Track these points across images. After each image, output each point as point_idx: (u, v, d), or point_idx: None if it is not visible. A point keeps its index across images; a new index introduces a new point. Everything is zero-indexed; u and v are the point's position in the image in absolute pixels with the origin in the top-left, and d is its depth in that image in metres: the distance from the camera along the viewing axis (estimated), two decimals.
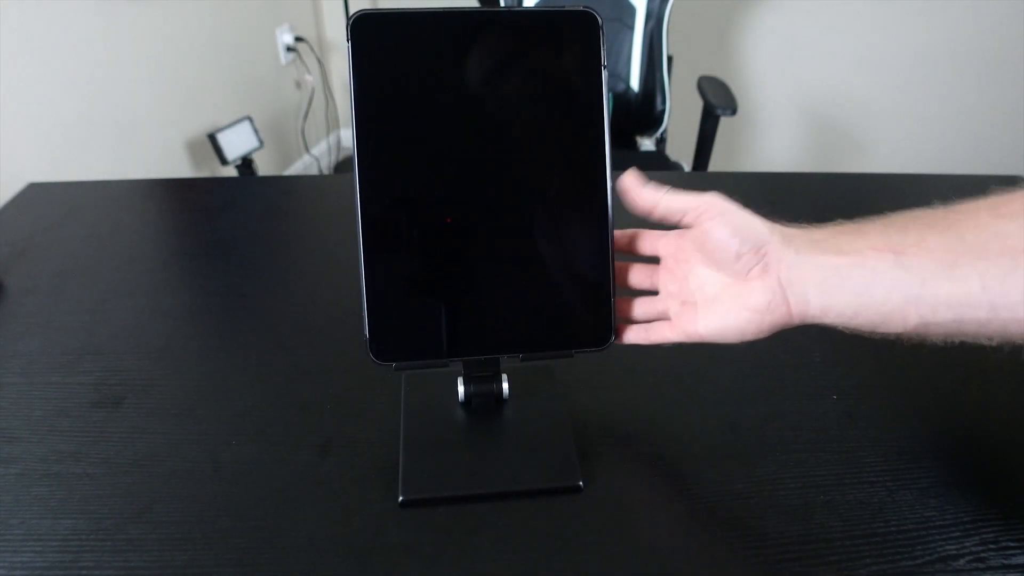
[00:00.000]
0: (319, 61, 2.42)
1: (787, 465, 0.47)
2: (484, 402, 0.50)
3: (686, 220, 0.42)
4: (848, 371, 0.55)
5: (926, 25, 2.14)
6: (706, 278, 0.42)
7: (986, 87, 2.19)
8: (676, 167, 1.77)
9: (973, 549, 0.41)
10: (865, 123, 2.34)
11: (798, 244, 0.39)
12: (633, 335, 0.45)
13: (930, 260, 0.36)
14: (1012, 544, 0.42)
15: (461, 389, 0.49)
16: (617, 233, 0.45)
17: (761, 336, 0.41)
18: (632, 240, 0.46)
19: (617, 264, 0.45)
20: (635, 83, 1.76)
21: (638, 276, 0.46)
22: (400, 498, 0.44)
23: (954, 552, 0.41)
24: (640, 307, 0.46)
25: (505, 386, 0.49)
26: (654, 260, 0.46)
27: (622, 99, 1.78)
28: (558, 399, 0.51)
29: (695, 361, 0.57)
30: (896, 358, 0.57)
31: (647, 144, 1.92)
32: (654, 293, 0.46)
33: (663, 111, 1.75)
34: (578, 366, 0.46)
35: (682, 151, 1.94)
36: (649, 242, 0.46)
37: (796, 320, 0.39)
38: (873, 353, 0.57)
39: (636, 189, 0.42)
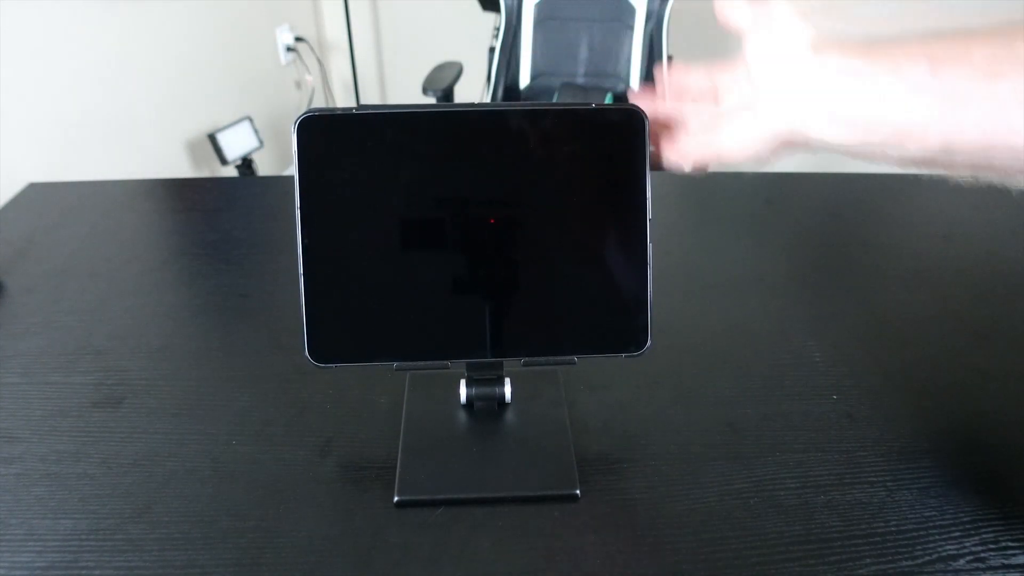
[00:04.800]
0: (319, 61, 2.42)
1: (787, 465, 0.47)
2: (486, 405, 0.50)
3: (745, 27, 0.39)
4: (848, 371, 0.55)
5: (927, 25, 2.14)
6: (739, 92, 0.40)
7: None
8: (676, 167, 1.77)
9: (973, 549, 0.41)
10: None
11: (825, 52, 0.36)
12: (673, 158, 0.43)
13: (968, 68, 0.31)
14: (1012, 544, 0.42)
15: (463, 391, 0.49)
16: (675, 69, 0.44)
17: (765, 155, 0.38)
18: (687, 74, 0.44)
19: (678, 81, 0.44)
20: (635, 83, 1.76)
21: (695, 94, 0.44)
22: (396, 498, 0.44)
23: (954, 552, 0.41)
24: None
25: (508, 390, 0.49)
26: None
27: (622, 100, 1.78)
28: (560, 404, 0.51)
29: (695, 361, 0.57)
30: (896, 358, 0.57)
31: (648, 144, 1.91)
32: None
33: None
34: (578, 366, 0.46)
35: None
36: (703, 75, 0.43)
37: (797, 135, 0.36)
38: (873, 353, 0.57)
39: (722, 7, 0.40)
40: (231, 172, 1.97)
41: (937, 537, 0.42)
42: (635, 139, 0.43)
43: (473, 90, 2.10)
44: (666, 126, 0.44)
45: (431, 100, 1.69)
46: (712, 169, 0.42)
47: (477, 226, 0.43)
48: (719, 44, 2.23)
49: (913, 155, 0.34)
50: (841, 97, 0.34)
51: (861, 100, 0.34)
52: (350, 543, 0.42)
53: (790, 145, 0.38)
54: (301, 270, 0.43)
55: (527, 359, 0.45)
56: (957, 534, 0.42)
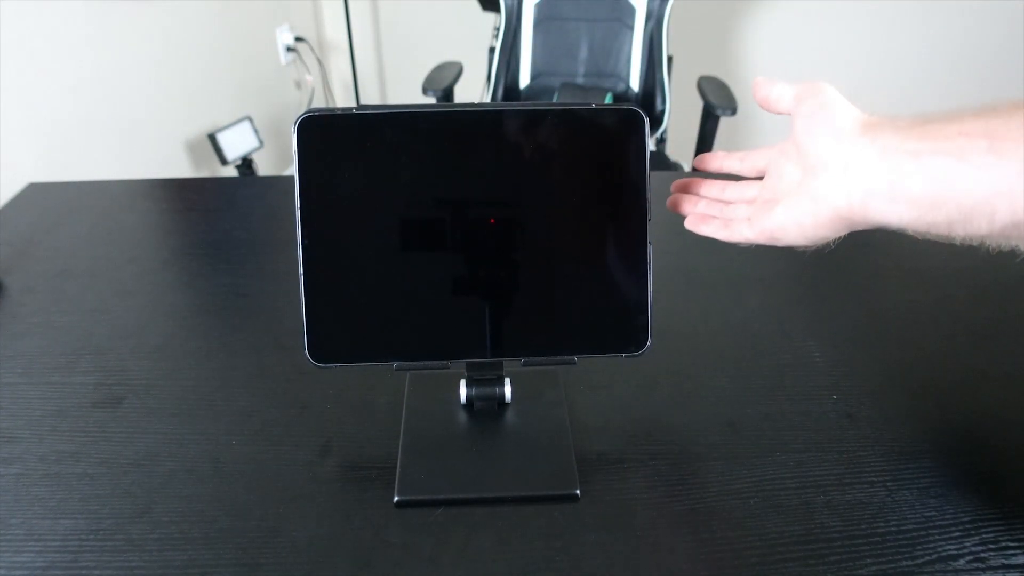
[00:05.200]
0: (319, 61, 2.42)
1: (787, 465, 0.47)
2: (486, 405, 0.50)
3: (792, 108, 0.40)
4: (848, 371, 0.55)
5: (926, 25, 2.14)
6: (791, 174, 0.41)
7: (986, 87, 2.19)
8: (676, 167, 1.77)
9: (973, 549, 0.41)
10: None
11: (879, 131, 0.36)
12: (711, 228, 0.44)
13: None
14: (1012, 544, 0.42)
15: (463, 391, 0.49)
16: (724, 155, 0.46)
17: (822, 235, 0.38)
18: (741, 160, 0.46)
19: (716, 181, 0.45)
20: (635, 83, 1.76)
21: (740, 191, 0.45)
22: (396, 498, 0.44)
23: (954, 552, 0.41)
24: (723, 211, 0.45)
25: (508, 390, 0.49)
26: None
27: (622, 99, 1.78)
28: (560, 404, 0.51)
29: (695, 361, 0.57)
30: (896, 358, 0.57)
31: (647, 144, 1.91)
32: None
33: (663, 111, 1.75)
34: (578, 366, 0.46)
35: (682, 151, 1.94)
36: (755, 158, 0.45)
37: (857, 214, 0.36)
38: (873, 353, 0.57)
39: (760, 89, 0.42)
40: (231, 172, 1.97)
41: (937, 537, 0.42)
42: (635, 139, 0.43)
43: (473, 90, 2.10)
44: (717, 204, 0.45)
45: (431, 100, 1.69)
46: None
47: (477, 226, 0.43)
48: (719, 44, 2.22)
49: (980, 232, 0.33)
50: (900, 177, 0.34)
51: (922, 180, 0.34)
52: (350, 543, 0.42)
53: (851, 225, 0.38)
54: (301, 270, 0.43)
55: (527, 359, 0.45)
56: (957, 534, 0.42)
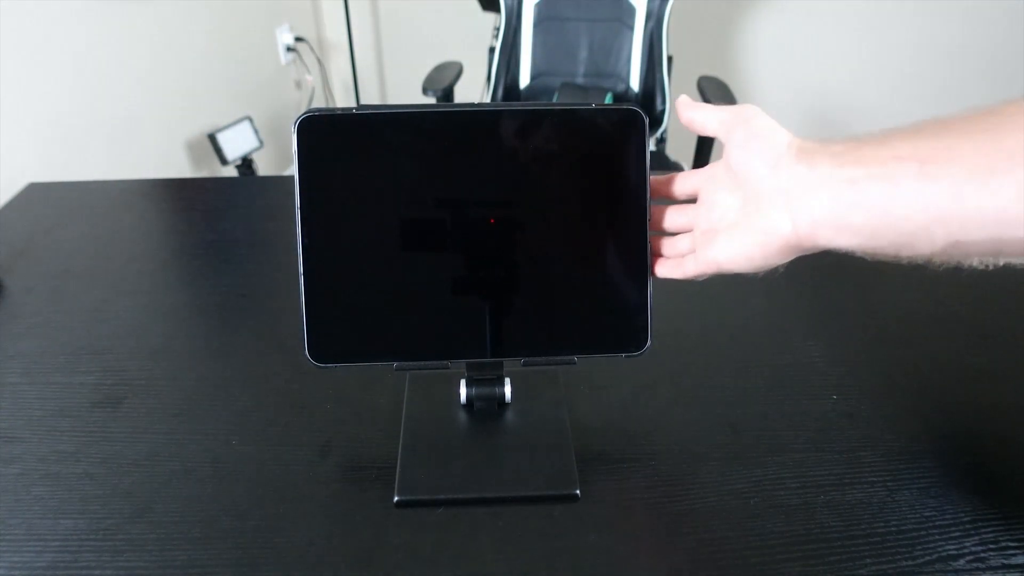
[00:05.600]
0: (319, 61, 2.42)
1: (787, 465, 0.47)
2: (486, 405, 0.50)
3: (720, 134, 0.40)
4: (848, 371, 0.55)
5: (926, 25, 2.14)
6: (730, 204, 0.40)
7: (985, 87, 2.19)
8: (676, 167, 1.77)
9: (973, 549, 0.41)
10: (864, 123, 2.34)
11: (814, 159, 0.36)
12: (666, 270, 0.44)
13: (961, 168, 0.31)
14: (1012, 544, 0.42)
15: (463, 391, 0.49)
16: (654, 178, 0.45)
17: (771, 264, 0.39)
18: (669, 183, 0.45)
19: (654, 208, 0.44)
20: (635, 83, 1.76)
21: (674, 218, 0.45)
22: (396, 498, 0.44)
23: (954, 552, 0.41)
24: (669, 246, 0.44)
25: (507, 390, 0.49)
26: (692, 200, 0.45)
27: (622, 99, 1.78)
28: (560, 404, 0.51)
29: (695, 361, 0.57)
30: (896, 358, 0.57)
31: (647, 144, 1.91)
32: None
33: (663, 111, 1.75)
34: (578, 366, 0.46)
35: (682, 151, 1.94)
36: (684, 181, 0.44)
37: (806, 243, 0.36)
38: (873, 353, 0.57)
39: (684, 110, 0.42)
40: (231, 172, 1.97)
41: (937, 537, 0.42)
42: (635, 139, 0.43)
43: (473, 90, 2.10)
44: (656, 240, 0.45)
45: (431, 100, 1.69)
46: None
47: (477, 226, 0.43)
48: (719, 44, 2.22)
49: (924, 253, 0.34)
50: (841, 207, 0.34)
51: (861, 210, 0.34)
52: (350, 543, 0.42)
53: (800, 251, 0.38)
54: (301, 270, 0.43)
55: (527, 359, 0.45)
56: (957, 534, 0.42)
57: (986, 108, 0.33)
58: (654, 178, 0.45)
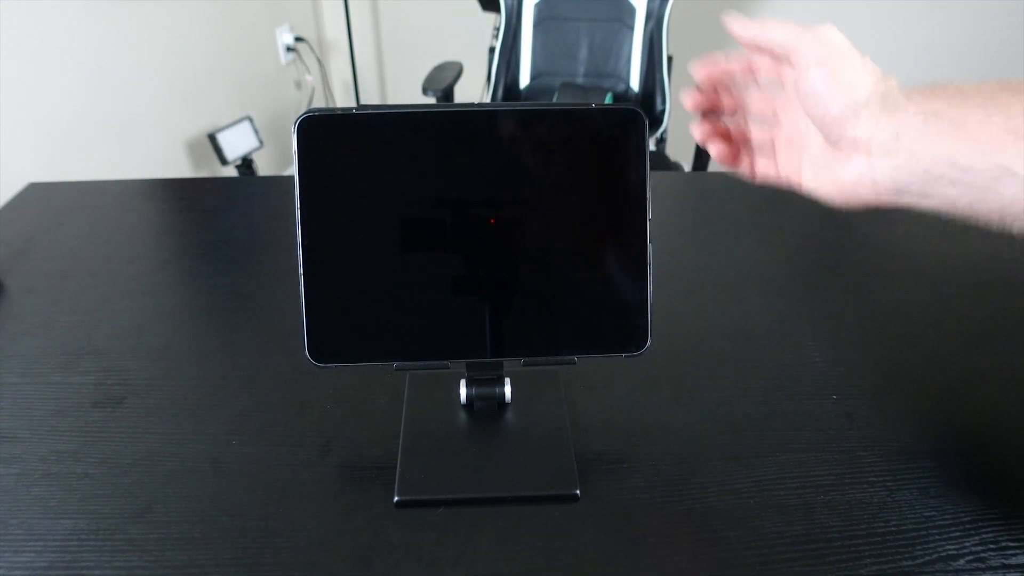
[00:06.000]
0: (319, 61, 2.42)
1: (787, 465, 0.47)
2: (486, 405, 0.50)
3: (790, 59, 0.37)
4: (848, 371, 0.55)
5: (927, 25, 2.14)
6: (812, 131, 0.38)
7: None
8: (676, 167, 1.77)
9: (973, 549, 0.41)
10: None
11: (903, 115, 0.34)
12: (718, 151, 0.42)
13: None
14: (1012, 544, 0.42)
15: (463, 391, 0.49)
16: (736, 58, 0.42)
17: (852, 206, 0.37)
18: (751, 65, 0.42)
19: (736, 87, 0.42)
20: (635, 83, 1.76)
21: (758, 102, 0.42)
22: (396, 498, 0.44)
23: (954, 552, 0.41)
24: (755, 131, 0.42)
25: (507, 390, 0.49)
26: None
27: (622, 99, 1.78)
28: (560, 404, 0.51)
29: (695, 361, 0.57)
30: (896, 358, 0.57)
31: (647, 144, 1.91)
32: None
33: (663, 111, 1.75)
34: (578, 366, 0.46)
35: (682, 151, 1.94)
36: (769, 67, 0.41)
37: (884, 195, 0.36)
38: (873, 353, 0.57)
39: (736, 24, 0.39)
40: (231, 172, 1.97)
41: (937, 537, 0.42)
42: (635, 139, 0.43)
43: (473, 90, 2.10)
44: (762, 131, 0.42)
45: (431, 100, 1.69)
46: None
47: (477, 226, 0.43)
48: (719, 44, 2.23)
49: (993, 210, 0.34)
50: (959, 152, 0.33)
51: (931, 145, 0.33)
52: (350, 543, 0.42)
53: (907, 200, 0.36)
54: (301, 270, 0.43)
55: (527, 359, 0.45)
56: (957, 534, 0.42)
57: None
58: (731, 71, 0.42)
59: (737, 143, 0.44)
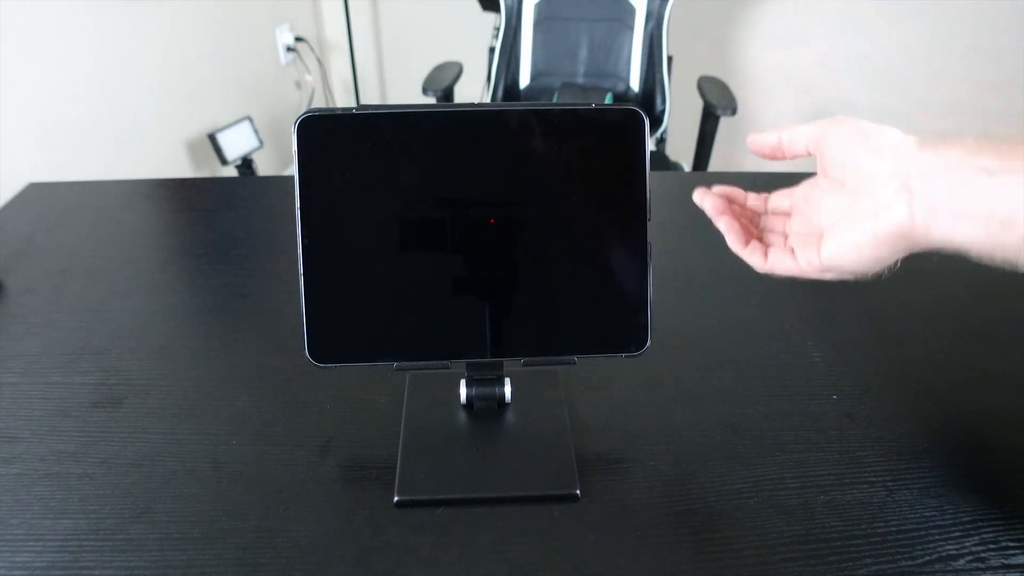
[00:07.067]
0: (319, 61, 2.42)
1: (787, 465, 0.47)
2: (486, 405, 0.50)
3: (812, 145, 0.39)
4: (848, 371, 0.55)
5: (928, 25, 2.14)
6: (835, 205, 0.39)
7: (987, 87, 2.19)
8: (676, 167, 1.77)
9: (973, 549, 0.41)
10: None
11: (943, 148, 0.35)
12: (747, 252, 0.43)
13: None
14: (1012, 544, 0.42)
15: (463, 391, 0.49)
16: (752, 195, 0.45)
17: (880, 258, 0.37)
18: (766, 201, 0.45)
19: (750, 212, 0.44)
20: (635, 83, 1.76)
21: (768, 217, 0.44)
22: (396, 498, 0.44)
23: (954, 552, 0.41)
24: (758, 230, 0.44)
25: (507, 390, 0.49)
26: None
27: (622, 99, 1.78)
28: (560, 404, 0.51)
29: (695, 361, 0.57)
30: (896, 358, 0.57)
31: (647, 144, 1.91)
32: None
33: (663, 111, 1.75)
34: (578, 366, 0.46)
35: (682, 151, 1.94)
36: (780, 199, 0.44)
37: (919, 231, 0.35)
38: (873, 353, 0.57)
39: (756, 138, 0.41)
40: (231, 172, 1.97)
41: (937, 537, 0.42)
42: (635, 139, 0.43)
43: (473, 90, 2.10)
44: (750, 228, 0.44)
45: (431, 100, 1.69)
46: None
47: (477, 226, 0.43)
48: (719, 44, 2.21)
49: None
50: (971, 192, 0.33)
51: (990, 197, 0.33)
52: (350, 543, 0.42)
53: (911, 245, 0.36)
54: (301, 270, 0.43)
55: (527, 359, 0.45)
56: (957, 534, 0.42)
57: None
58: (754, 195, 0.45)
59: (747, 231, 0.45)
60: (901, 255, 0.37)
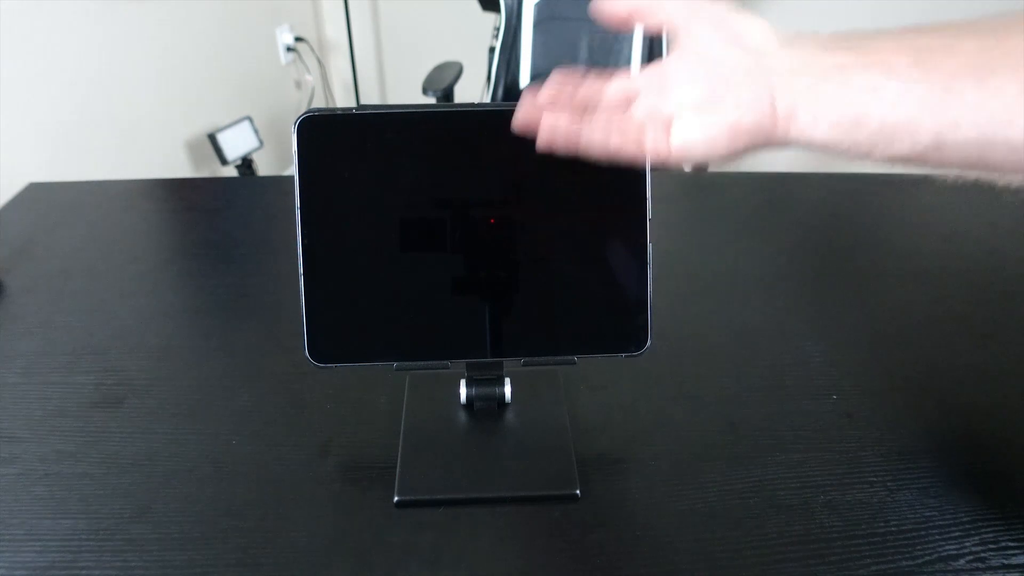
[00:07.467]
0: (319, 61, 2.42)
1: (787, 465, 0.47)
2: (486, 405, 0.50)
3: (669, 25, 0.36)
4: (848, 371, 0.55)
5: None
6: (689, 93, 0.36)
7: None
8: (676, 167, 1.77)
9: (973, 549, 0.41)
10: None
11: (801, 44, 0.34)
12: (567, 141, 0.38)
13: (959, 63, 0.30)
14: (1012, 544, 0.42)
15: (463, 391, 0.49)
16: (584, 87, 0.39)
17: (733, 150, 0.35)
18: (600, 84, 0.39)
19: (588, 81, 0.40)
20: None
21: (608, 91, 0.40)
22: (396, 498, 0.44)
23: (954, 552, 0.41)
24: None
25: (507, 390, 0.49)
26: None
27: None
28: (560, 404, 0.51)
29: (695, 361, 0.57)
30: (896, 358, 0.57)
31: None
32: None
33: None
34: (578, 366, 0.46)
35: None
36: (622, 82, 0.39)
37: (779, 129, 0.34)
38: (873, 353, 0.57)
39: (610, 6, 0.37)
40: (231, 172, 1.97)
41: (937, 537, 0.42)
42: None
43: (473, 90, 2.10)
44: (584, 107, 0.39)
45: (431, 100, 1.69)
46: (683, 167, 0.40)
47: (477, 226, 0.43)
48: None
49: (901, 152, 0.32)
50: (823, 92, 0.33)
51: (845, 95, 0.32)
52: (350, 543, 0.42)
53: (768, 139, 0.35)
54: (301, 270, 0.43)
55: (527, 359, 0.45)
56: (957, 534, 0.42)
57: (988, 16, 0.31)
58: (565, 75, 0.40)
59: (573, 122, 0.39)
60: (757, 149, 0.36)
